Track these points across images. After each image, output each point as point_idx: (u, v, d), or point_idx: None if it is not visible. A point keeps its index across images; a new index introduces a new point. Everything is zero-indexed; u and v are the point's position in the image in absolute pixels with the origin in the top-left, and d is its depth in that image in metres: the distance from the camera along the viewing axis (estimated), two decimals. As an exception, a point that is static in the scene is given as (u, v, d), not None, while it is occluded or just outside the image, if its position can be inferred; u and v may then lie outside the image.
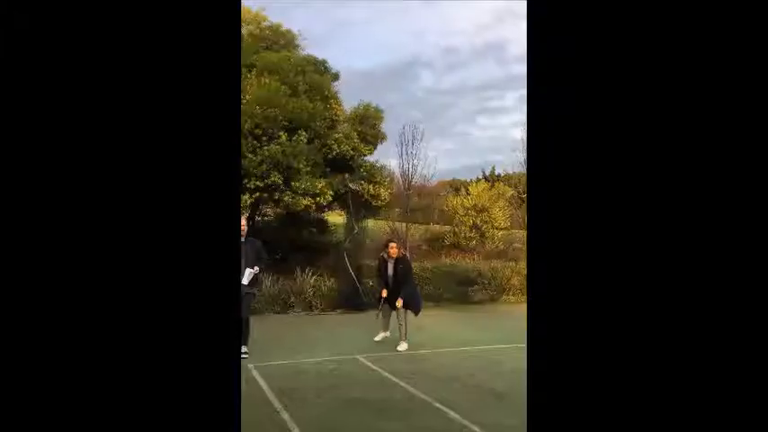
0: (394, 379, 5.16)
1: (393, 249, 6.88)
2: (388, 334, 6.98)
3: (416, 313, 6.89)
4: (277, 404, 4.28)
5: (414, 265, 11.67)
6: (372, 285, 9.42)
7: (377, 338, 6.97)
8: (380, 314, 6.98)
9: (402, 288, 6.71)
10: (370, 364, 5.82)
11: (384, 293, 6.80)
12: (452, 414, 4.06)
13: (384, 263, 6.91)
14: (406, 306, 6.73)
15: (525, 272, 11.89)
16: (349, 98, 17.19)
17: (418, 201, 18.65)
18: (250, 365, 5.53)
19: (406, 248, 14.16)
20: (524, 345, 5.97)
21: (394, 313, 6.83)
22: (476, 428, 3.75)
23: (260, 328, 8.05)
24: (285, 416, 4.00)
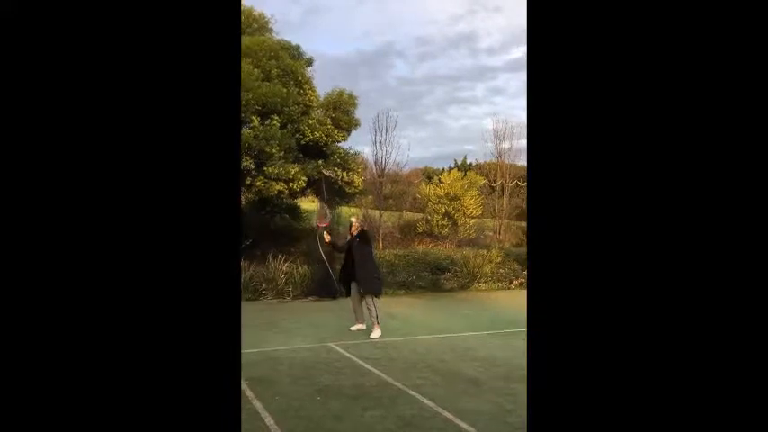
0: (367, 366, 5.16)
1: (354, 226, 6.89)
2: (363, 326, 6.89)
3: (377, 295, 6.74)
4: (249, 393, 4.23)
5: (387, 252, 11.72)
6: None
7: (353, 328, 6.89)
8: (344, 291, 7.06)
9: (357, 267, 6.60)
10: (343, 351, 5.80)
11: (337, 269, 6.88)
12: (426, 401, 4.07)
13: (350, 242, 6.84)
14: (364, 289, 6.62)
15: (496, 259, 12.03)
16: (323, 84, 17.02)
17: (391, 188, 18.63)
18: (221, 353, 5.46)
19: (379, 235, 14.17)
20: (496, 331, 6.01)
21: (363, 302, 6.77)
22: (449, 415, 3.77)
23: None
24: (257, 404, 3.96)
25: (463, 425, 3.59)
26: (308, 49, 16.36)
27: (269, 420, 3.62)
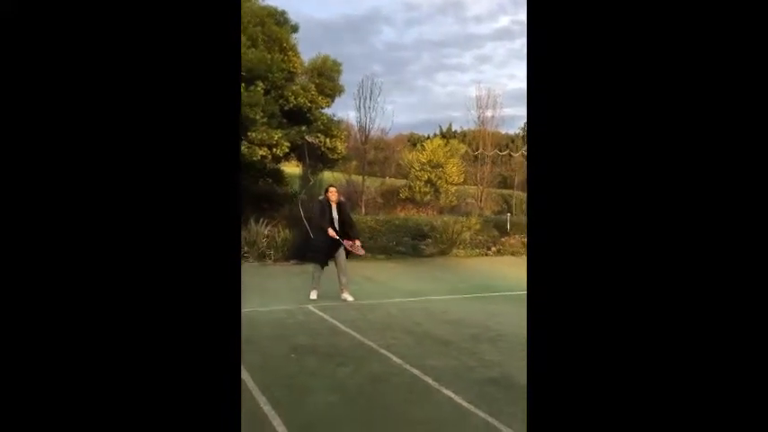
0: (343, 327, 5.41)
1: (334, 193, 6.82)
2: (315, 296, 6.79)
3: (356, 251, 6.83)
4: (229, 349, 4.47)
5: (368, 217, 11.93)
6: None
7: (312, 296, 6.77)
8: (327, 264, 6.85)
9: (351, 231, 6.74)
10: (320, 313, 6.04)
11: (332, 233, 6.65)
12: (396, 359, 4.33)
13: (327, 207, 6.79)
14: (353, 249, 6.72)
15: (475, 226, 12.30)
16: (308, 48, 16.88)
17: (375, 154, 18.72)
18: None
19: (362, 201, 14.34)
20: (471, 295, 6.28)
21: (332, 264, 6.80)
22: (416, 371, 4.03)
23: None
24: (236, 360, 4.19)
25: (428, 380, 3.85)
26: (293, 11, 16.19)
27: (244, 374, 3.85)
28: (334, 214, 6.75)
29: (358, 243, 6.73)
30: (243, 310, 5.93)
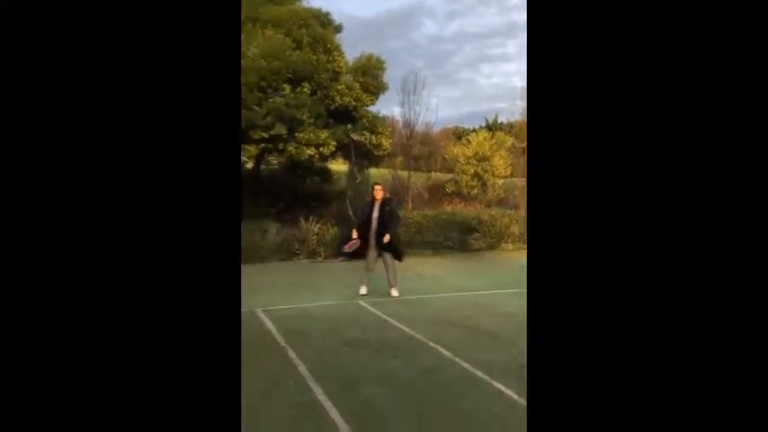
0: (393, 321, 5.53)
1: (378, 191, 6.86)
2: (368, 290, 6.89)
3: (400, 258, 6.90)
4: (284, 343, 4.67)
5: (414, 213, 12.00)
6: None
7: (362, 292, 6.87)
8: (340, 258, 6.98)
9: (386, 228, 6.71)
10: (370, 307, 6.18)
11: (355, 234, 6.76)
12: (445, 353, 4.42)
13: (370, 206, 6.85)
14: (389, 250, 6.75)
15: (524, 219, 12.19)
16: (351, 47, 17.08)
17: (420, 149, 18.77)
18: (258, 309, 5.91)
19: (408, 196, 14.43)
20: (519, 290, 6.24)
21: (380, 262, 6.85)
22: (466, 365, 4.10)
23: (266, 275, 8.44)
24: (292, 354, 4.38)
25: (478, 373, 3.92)
26: (337, 11, 16.41)
27: (302, 368, 4.03)
28: (375, 213, 6.78)
29: (387, 237, 6.67)
30: (297, 306, 6.18)
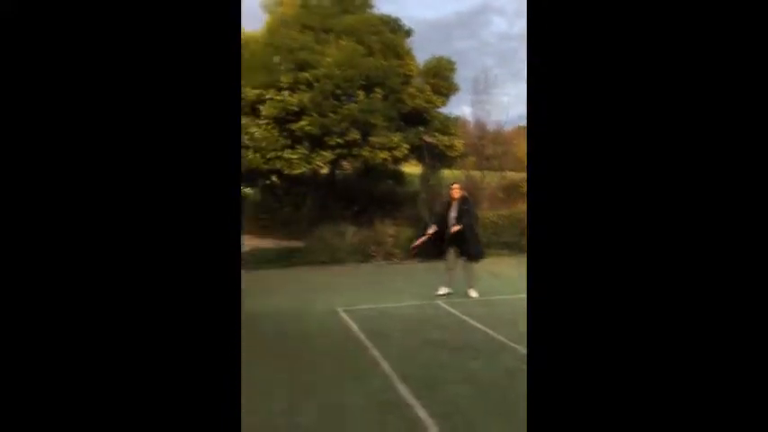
0: (472, 322, 5.56)
1: (455, 190, 6.88)
2: (451, 290, 6.91)
3: (477, 260, 6.90)
4: (367, 343, 4.82)
5: (490, 213, 11.91)
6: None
7: (440, 292, 6.91)
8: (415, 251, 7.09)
9: (462, 221, 6.69)
10: (449, 308, 6.25)
11: (431, 231, 6.87)
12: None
13: (447, 206, 6.90)
14: (466, 253, 6.78)
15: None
16: (421, 49, 17.20)
17: (493, 148, 18.56)
18: (339, 309, 6.12)
19: (483, 197, 14.32)
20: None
21: (460, 264, 6.90)
22: (548, 366, 4.09)
23: (344, 276, 8.67)
24: (375, 352, 4.52)
25: (561, 374, 3.91)
26: (406, 16, 16.54)
27: (385, 365, 4.15)
28: (453, 212, 6.79)
29: (455, 228, 6.68)
30: (377, 306, 6.35)
